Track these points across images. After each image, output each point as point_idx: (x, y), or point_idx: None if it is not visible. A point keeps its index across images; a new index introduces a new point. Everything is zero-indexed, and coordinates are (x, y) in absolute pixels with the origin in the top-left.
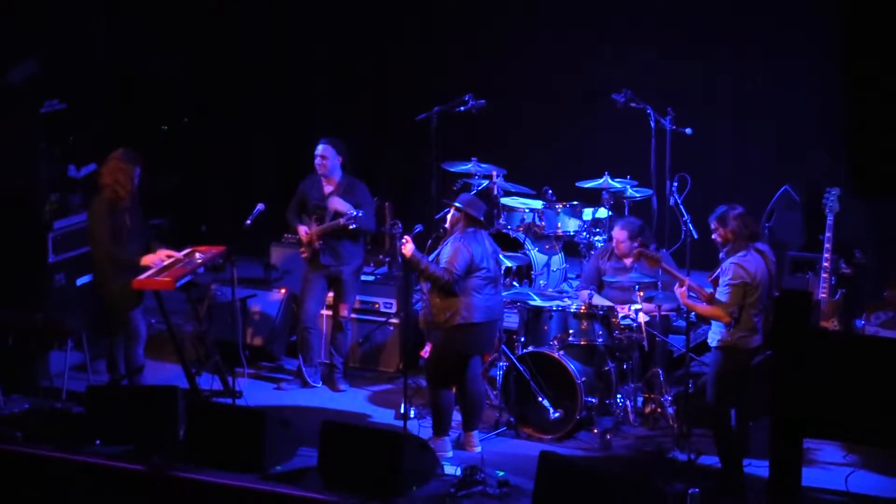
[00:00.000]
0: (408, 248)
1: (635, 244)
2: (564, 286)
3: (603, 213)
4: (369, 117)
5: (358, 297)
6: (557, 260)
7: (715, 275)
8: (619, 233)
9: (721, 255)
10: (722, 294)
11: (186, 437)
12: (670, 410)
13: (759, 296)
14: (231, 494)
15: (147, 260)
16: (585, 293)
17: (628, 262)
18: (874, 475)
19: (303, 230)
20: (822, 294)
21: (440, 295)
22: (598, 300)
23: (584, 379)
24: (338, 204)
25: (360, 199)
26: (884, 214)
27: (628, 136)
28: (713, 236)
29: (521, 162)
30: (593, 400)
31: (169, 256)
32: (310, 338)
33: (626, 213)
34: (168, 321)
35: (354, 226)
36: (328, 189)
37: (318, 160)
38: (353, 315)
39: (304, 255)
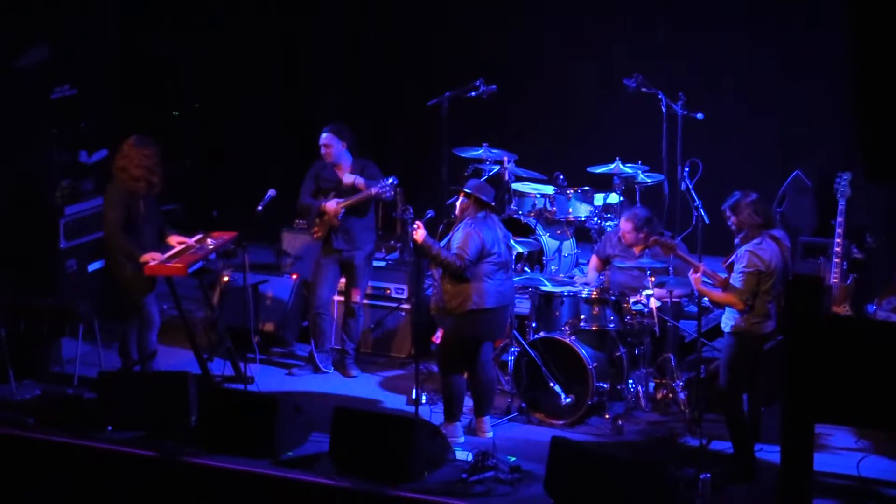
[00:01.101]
0: (419, 233)
1: (640, 235)
2: (576, 271)
3: (614, 198)
4: (380, 102)
5: (370, 283)
6: (569, 245)
7: (730, 260)
8: (624, 224)
9: (736, 240)
10: (736, 281)
11: (198, 423)
12: (682, 396)
13: (773, 283)
14: (243, 480)
15: (146, 256)
16: (593, 268)
17: (636, 251)
18: (886, 460)
19: (331, 203)
20: (834, 279)
21: (452, 281)
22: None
23: (595, 364)
24: (350, 179)
25: (371, 175)
26: None
27: (639, 122)
28: (728, 223)
29: (532, 147)
30: (605, 385)
31: (181, 243)
32: (322, 323)
33: (638, 199)
34: (180, 307)
35: (391, 194)
36: (339, 174)
37: (322, 150)
38: (365, 301)
39: (316, 236)
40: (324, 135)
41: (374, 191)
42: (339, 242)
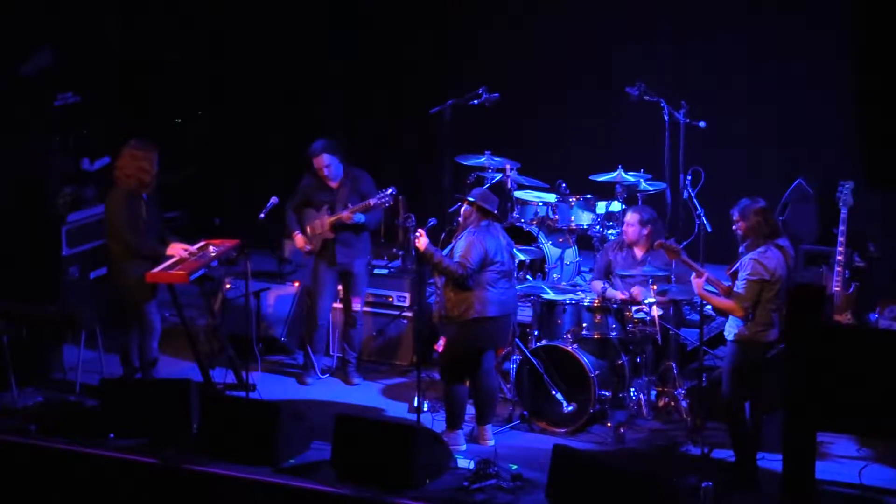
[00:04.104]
0: (421, 241)
1: (645, 231)
2: (578, 280)
3: (616, 206)
4: (383, 110)
5: (372, 291)
6: (571, 253)
7: (734, 268)
8: (630, 216)
9: (741, 248)
10: (739, 288)
11: (200, 431)
12: (684, 404)
13: (776, 291)
14: (244, 487)
15: (172, 250)
16: (599, 284)
17: (639, 254)
18: (888, 468)
19: (323, 219)
20: (836, 287)
21: (454, 289)
22: (612, 293)
23: (597, 372)
24: (351, 218)
25: (366, 190)
26: None
27: (642, 130)
28: (734, 227)
29: (534, 155)
30: (607, 393)
31: (183, 250)
32: (320, 332)
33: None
34: (182, 314)
35: (390, 202)
36: (334, 185)
37: (325, 171)
38: (368, 308)
39: (307, 251)
40: (322, 157)
41: (372, 202)
42: (339, 254)
